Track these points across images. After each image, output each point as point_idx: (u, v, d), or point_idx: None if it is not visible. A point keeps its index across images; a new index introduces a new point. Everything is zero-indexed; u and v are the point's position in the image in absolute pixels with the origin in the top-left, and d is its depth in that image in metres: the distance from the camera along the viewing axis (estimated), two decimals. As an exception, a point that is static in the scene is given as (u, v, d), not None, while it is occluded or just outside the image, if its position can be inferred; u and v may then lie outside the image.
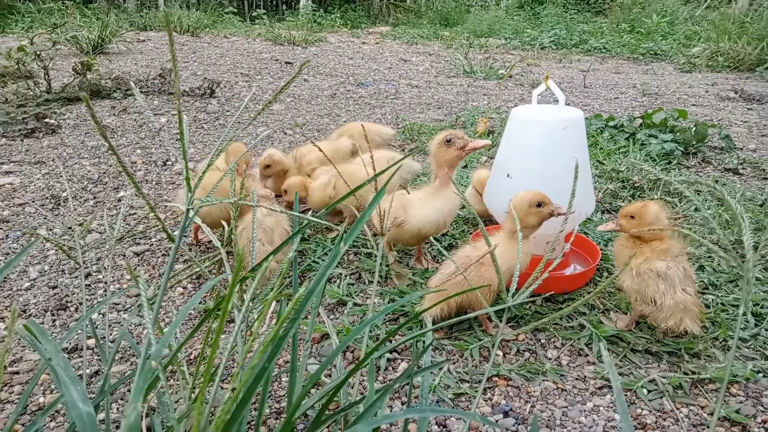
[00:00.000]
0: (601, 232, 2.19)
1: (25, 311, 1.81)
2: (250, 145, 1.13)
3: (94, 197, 2.66)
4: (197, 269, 1.78)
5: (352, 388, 1.25)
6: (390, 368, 1.54)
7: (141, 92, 4.52)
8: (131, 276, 1.41)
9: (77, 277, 2.00)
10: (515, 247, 1.55)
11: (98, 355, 1.60)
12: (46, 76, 4.38)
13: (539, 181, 1.74)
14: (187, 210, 1.00)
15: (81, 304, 1.84)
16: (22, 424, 1.36)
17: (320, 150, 1.37)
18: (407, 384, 1.43)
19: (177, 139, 3.53)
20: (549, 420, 1.37)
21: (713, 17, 8.70)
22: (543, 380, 1.50)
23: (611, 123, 3.47)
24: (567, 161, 1.73)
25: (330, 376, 1.51)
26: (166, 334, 0.76)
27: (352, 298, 1.86)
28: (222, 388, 1.47)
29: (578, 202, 1.80)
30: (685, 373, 1.51)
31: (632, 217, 1.65)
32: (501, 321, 1.69)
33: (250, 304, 0.98)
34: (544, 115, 1.74)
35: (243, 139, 3.56)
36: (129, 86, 4.56)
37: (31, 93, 4.31)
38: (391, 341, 1.66)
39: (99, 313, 1.77)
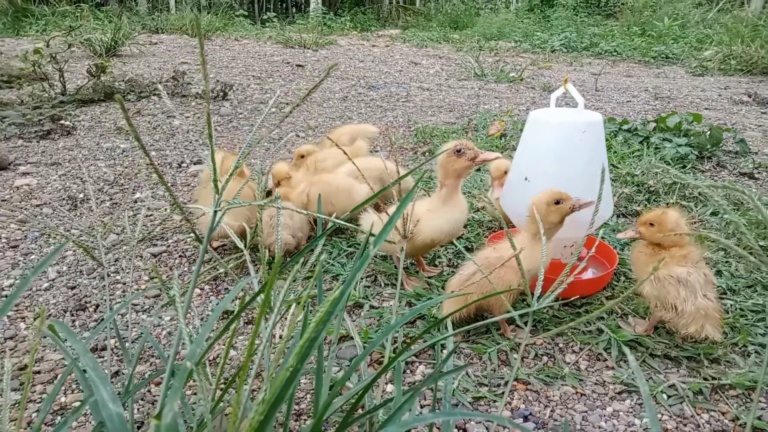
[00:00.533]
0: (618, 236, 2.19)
1: (48, 312, 1.82)
2: (274, 150, 1.14)
3: (111, 198, 2.68)
4: (221, 270, 1.79)
5: (372, 390, 1.25)
6: (408, 371, 1.54)
7: (154, 95, 4.55)
8: (156, 278, 1.42)
9: (95, 277, 2.02)
10: (538, 250, 1.55)
11: (117, 356, 1.61)
12: (61, 78, 4.43)
13: (557, 185, 1.73)
14: (215, 212, 1.01)
15: (99, 305, 1.85)
16: (46, 424, 1.37)
17: (348, 156, 1.37)
18: (428, 388, 1.43)
19: (191, 141, 3.55)
20: (569, 425, 1.37)
21: (725, 20, 8.66)
22: (562, 385, 1.49)
23: (625, 126, 3.46)
24: (585, 165, 1.73)
25: (349, 378, 1.52)
26: (200, 335, 0.77)
27: (369, 300, 1.86)
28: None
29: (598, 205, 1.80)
30: (705, 379, 1.50)
31: (651, 224, 1.64)
32: (525, 325, 1.69)
33: (274, 305, 0.98)
34: (563, 117, 1.73)
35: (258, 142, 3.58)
36: (143, 89, 4.60)
37: (46, 95, 4.35)
38: (407, 345, 1.66)
39: (119, 314, 1.78)
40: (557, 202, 1.61)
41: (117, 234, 2.33)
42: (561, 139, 1.72)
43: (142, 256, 2.16)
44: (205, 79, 0.97)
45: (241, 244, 1.24)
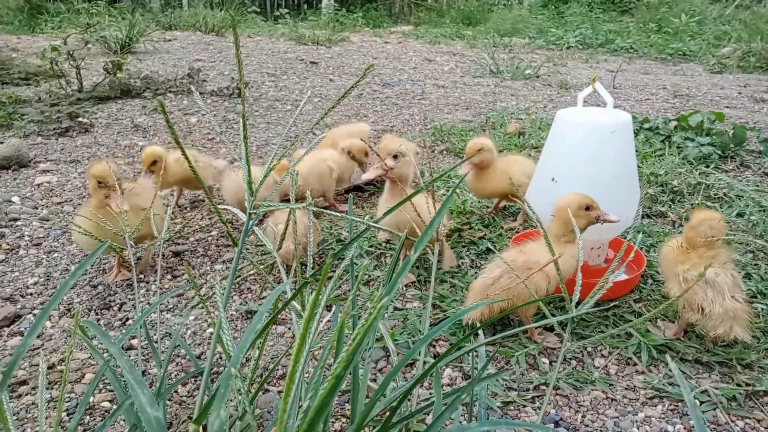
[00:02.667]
0: (644, 239, 2.16)
1: (69, 310, 1.83)
2: (308, 149, 1.13)
3: (131, 196, 2.68)
4: (251, 271, 1.78)
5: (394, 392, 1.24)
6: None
7: (170, 92, 4.55)
8: (190, 280, 1.41)
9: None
10: (566, 253, 1.53)
11: (143, 355, 1.61)
12: (78, 76, 4.44)
13: (586, 186, 1.70)
14: (249, 214, 1.00)
15: (124, 303, 1.85)
16: (80, 424, 1.37)
17: (380, 157, 1.35)
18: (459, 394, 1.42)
19: (208, 139, 3.55)
20: (600, 430, 1.35)
21: (744, 17, 8.53)
22: (592, 389, 1.47)
23: (646, 125, 3.41)
24: (615, 166, 1.70)
25: (375, 380, 1.51)
26: (242, 341, 0.76)
27: (392, 301, 1.84)
28: (267, 390, 1.47)
29: (626, 208, 1.77)
30: (738, 385, 1.48)
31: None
32: (552, 330, 1.67)
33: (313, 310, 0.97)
34: (592, 117, 1.71)
35: (273, 140, 3.58)
36: (159, 86, 4.60)
37: (63, 92, 4.37)
38: (447, 352, 1.64)
39: (141, 312, 1.78)
40: (587, 208, 1.58)
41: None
42: (590, 140, 1.69)
43: (164, 255, 2.16)
44: (240, 80, 0.95)
45: (271, 247, 1.24)
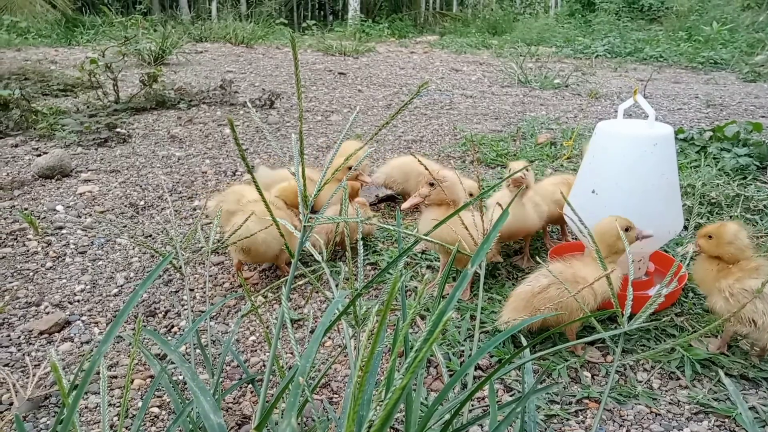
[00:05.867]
0: (684, 252, 2.14)
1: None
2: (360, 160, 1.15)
3: (171, 206, 2.75)
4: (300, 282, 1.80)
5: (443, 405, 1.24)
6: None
7: (203, 103, 4.65)
8: (245, 289, 1.44)
9: (161, 284, 2.07)
10: (610, 269, 1.53)
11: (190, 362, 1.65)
12: (115, 87, 4.57)
13: (626, 199, 1.70)
14: (305, 227, 1.02)
15: (168, 311, 1.90)
16: (127, 428, 1.41)
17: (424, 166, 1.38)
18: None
19: (246, 149, 3.62)
20: (646, 445, 1.34)
21: (778, 24, 8.38)
22: (635, 404, 1.46)
23: (680, 136, 3.37)
24: (656, 178, 1.70)
25: (414, 390, 1.52)
26: (307, 351, 0.78)
27: (430, 312, 1.86)
28: (313, 400, 1.49)
29: (667, 220, 1.76)
30: (788, 402, 1.45)
31: (710, 237, 1.60)
32: (592, 344, 1.66)
33: (356, 319, 0.99)
34: (634, 130, 1.70)
35: (305, 150, 3.62)
36: (192, 97, 4.71)
37: (101, 103, 4.50)
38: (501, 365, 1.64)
39: (191, 321, 1.82)
40: (626, 230, 1.59)
41: (180, 241, 2.39)
42: (632, 152, 1.69)
43: (204, 263, 2.21)
44: (299, 99, 0.98)
45: (319, 257, 1.26)
